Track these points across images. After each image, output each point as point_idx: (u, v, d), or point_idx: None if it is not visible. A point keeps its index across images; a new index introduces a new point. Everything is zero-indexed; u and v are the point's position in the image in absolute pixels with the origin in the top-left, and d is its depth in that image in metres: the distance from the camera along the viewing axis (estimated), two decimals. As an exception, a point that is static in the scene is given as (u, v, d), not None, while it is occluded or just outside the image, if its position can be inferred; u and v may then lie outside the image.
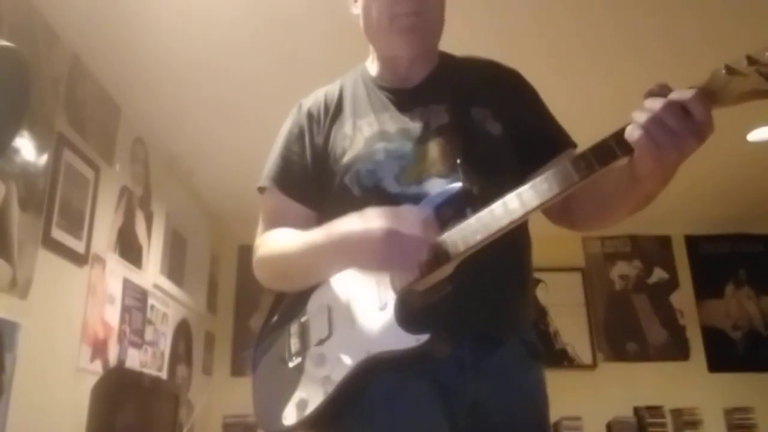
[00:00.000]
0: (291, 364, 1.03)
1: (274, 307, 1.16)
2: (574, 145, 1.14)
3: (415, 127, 1.10)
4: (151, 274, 3.18)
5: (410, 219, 0.90)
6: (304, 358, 1.02)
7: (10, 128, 1.57)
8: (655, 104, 0.79)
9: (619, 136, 0.82)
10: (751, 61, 0.75)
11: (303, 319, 1.06)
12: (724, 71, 0.77)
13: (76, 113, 2.45)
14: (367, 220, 0.91)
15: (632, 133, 0.80)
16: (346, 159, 1.10)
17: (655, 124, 0.78)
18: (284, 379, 1.03)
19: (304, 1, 2.25)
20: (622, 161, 0.84)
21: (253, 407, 1.09)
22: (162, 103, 2.89)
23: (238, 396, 3.73)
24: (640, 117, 0.80)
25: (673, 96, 0.78)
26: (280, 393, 1.02)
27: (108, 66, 2.58)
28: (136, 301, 2.95)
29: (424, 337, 0.89)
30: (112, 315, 2.69)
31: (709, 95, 0.78)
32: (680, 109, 0.77)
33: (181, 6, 2.27)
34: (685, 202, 4.07)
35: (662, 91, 0.80)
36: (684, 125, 0.77)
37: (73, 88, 2.44)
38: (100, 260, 2.58)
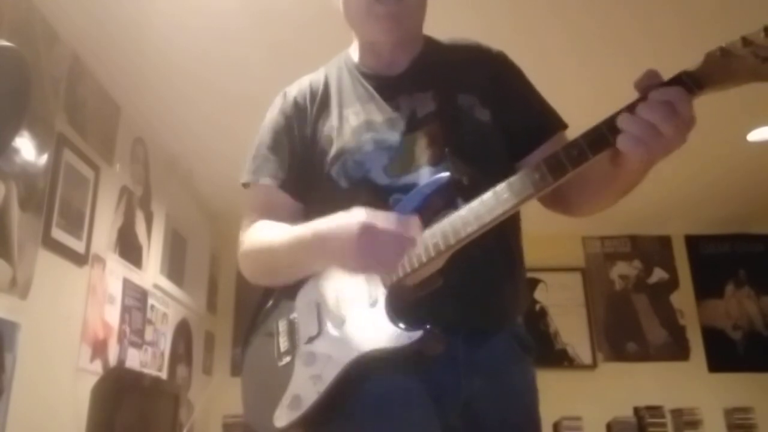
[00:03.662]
0: (280, 363, 1.01)
1: (261, 303, 1.13)
2: (564, 127, 1.12)
3: (402, 116, 1.08)
4: (151, 274, 3.18)
5: (390, 217, 0.88)
6: (293, 357, 0.99)
7: (10, 128, 1.57)
8: (647, 112, 0.77)
9: (611, 122, 0.81)
10: (746, 42, 0.74)
11: (291, 316, 1.04)
12: (718, 54, 0.75)
13: (76, 113, 2.45)
14: (348, 217, 0.89)
15: (623, 142, 0.79)
16: (332, 150, 1.08)
17: (647, 131, 0.77)
18: (274, 378, 1.00)
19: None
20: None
21: (243, 408, 1.07)
22: (162, 103, 2.89)
23: (238, 396, 3.69)
24: (630, 125, 0.78)
25: (664, 97, 0.77)
26: (270, 393, 1.00)
27: (108, 66, 2.58)
28: (136, 301, 2.95)
29: (416, 335, 0.88)
30: (112, 315, 2.69)
31: (700, 82, 0.77)
32: (672, 111, 0.76)
33: (182, 6, 2.27)
34: (685, 202, 4.08)
35: (652, 79, 0.79)
36: (674, 128, 0.77)
37: (73, 88, 2.44)
38: (100, 260, 2.58)
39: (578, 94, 2.65)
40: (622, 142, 0.79)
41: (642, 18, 2.43)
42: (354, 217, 0.88)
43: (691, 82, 0.77)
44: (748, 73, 0.75)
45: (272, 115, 1.19)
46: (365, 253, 0.87)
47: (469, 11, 2.29)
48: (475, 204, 0.88)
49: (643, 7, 2.37)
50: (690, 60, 0.78)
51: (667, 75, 0.80)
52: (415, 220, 0.89)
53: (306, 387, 0.95)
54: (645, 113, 0.78)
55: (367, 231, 0.86)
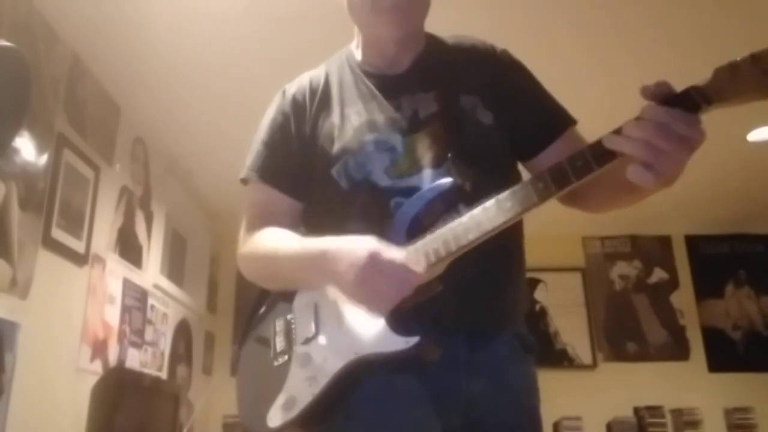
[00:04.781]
0: (276, 363, 1.00)
1: (259, 302, 1.12)
2: (573, 122, 1.10)
3: (404, 116, 1.07)
4: (151, 274, 3.18)
5: (399, 255, 0.87)
6: (289, 358, 0.99)
7: (11, 128, 1.57)
8: (642, 132, 0.76)
9: (618, 133, 0.79)
10: (755, 59, 0.73)
11: (288, 317, 1.03)
12: (728, 70, 0.74)
13: (76, 113, 2.45)
14: (359, 242, 0.89)
15: (631, 172, 0.77)
16: (334, 150, 1.06)
17: (646, 151, 0.76)
18: (269, 378, 1.00)
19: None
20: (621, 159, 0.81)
21: (237, 407, 1.06)
22: (162, 103, 2.89)
23: (238, 396, 3.72)
24: (628, 147, 0.77)
25: (660, 119, 0.75)
26: (265, 393, 0.99)
27: (108, 66, 2.58)
28: (136, 301, 2.95)
29: (413, 340, 0.87)
30: (112, 315, 2.69)
31: (709, 98, 0.76)
32: (669, 130, 0.75)
33: (181, 5, 2.27)
34: (685, 202, 4.07)
35: (660, 89, 0.78)
36: (674, 143, 0.75)
37: (73, 88, 2.44)
38: (100, 260, 2.58)
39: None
40: (631, 173, 0.77)
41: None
42: (364, 243, 0.88)
43: (699, 98, 0.76)
44: (757, 91, 0.74)
45: (271, 112, 1.18)
46: (365, 282, 0.86)
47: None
48: (477, 211, 0.87)
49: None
50: (702, 60, 0.77)
51: (679, 77, 0.78)
52: (419, 275, 0.88)
53: (301, 388, 0.95)
54: (632, 131, 0.77)
55: (372, 261, 0.86)
